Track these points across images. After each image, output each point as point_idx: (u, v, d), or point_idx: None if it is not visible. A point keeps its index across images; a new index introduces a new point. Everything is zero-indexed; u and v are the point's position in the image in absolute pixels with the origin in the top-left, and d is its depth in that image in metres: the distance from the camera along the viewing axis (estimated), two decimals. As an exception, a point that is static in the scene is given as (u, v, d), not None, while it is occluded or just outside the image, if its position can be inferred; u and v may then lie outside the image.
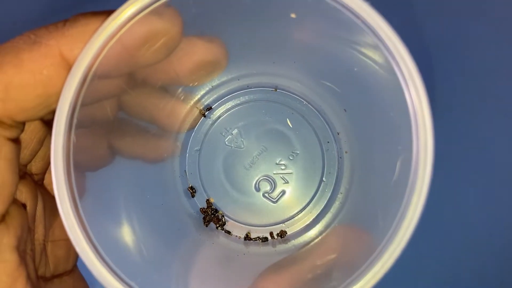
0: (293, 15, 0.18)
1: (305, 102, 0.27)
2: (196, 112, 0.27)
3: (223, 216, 0.26)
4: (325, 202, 0.26)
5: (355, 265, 0.17)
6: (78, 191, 0.16)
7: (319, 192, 0.26)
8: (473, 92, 0.30)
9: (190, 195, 0.27)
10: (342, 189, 0.25)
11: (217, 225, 0.26)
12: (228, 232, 0.26)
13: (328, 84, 0.25)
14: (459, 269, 0.30)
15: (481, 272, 0.30)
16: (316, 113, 0.26)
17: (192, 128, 0.27)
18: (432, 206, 0.29)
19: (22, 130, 0.18)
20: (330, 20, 0.17)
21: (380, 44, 0.16)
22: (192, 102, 0.26)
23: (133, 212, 0.20)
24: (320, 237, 0.24)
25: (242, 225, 0.26)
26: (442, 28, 0.31)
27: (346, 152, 0.25)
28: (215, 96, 0.27)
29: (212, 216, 0.26)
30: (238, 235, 0.26)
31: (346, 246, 0.22)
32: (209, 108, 0.27)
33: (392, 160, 0.18)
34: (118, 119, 0.20)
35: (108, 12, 0.17)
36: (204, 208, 0.26)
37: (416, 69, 0.16)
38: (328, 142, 0.26)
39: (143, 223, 0.21)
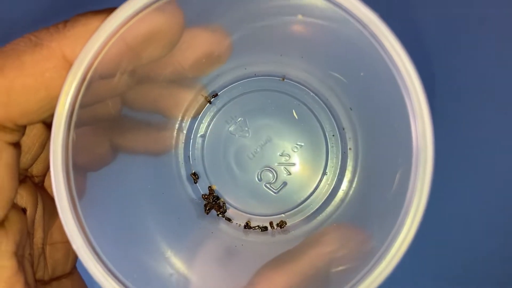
0: (300, 16, 0.18)
1: (312, 94, 0.26)
2: (201, 99, 0.27)
3: (224, 203, 0.27)
4: (326, 197, 0.26)
5: (351, 268, 0.18)
6: (79, 192, 0.16)
7: (320, 186, 0.26)
8: (474, 98, 0.30)
9: (193, 181, 0.27)
10: (344, 185, 0.25)
11: (218, 213, 0.26)
12: (229, 220, 0.27)
13: (336, 75, 0.25)
14: (459, 270, 0.30)
15: (481, 272, 0.30)
16: (323, 105, 0.26)
17: (197, 115, 0.27)
18: (432, 208, 0.29)
19: (23, 134, 0.18)
20: (339, 30, 0.17)
21: (384, 55, 0.16)
22: (197, 89, 0.26)
23: (135, 205, 0.21)
24: (319, 231, 0.25)
25: (242, 213, 0.27)
26: (442, 35, 0.30)
27: (350, 149, 0.25)
28: (221, 83, 0.27)
29: (213, 204, 0.26)
30: (238, 223, 0.27)
31: (343, 245, 0.22)
32: (215, 95, 0.27)
33: (392, 170, 0.18)
34: (119, 115, 0.20)
35: (108, 11, 0.17)
36: (206, 194, 0.27)
37: (420, 86, 0.15)
38: (333, 135, 0.26)
39: (144, 215, 0.21)
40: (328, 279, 0.20)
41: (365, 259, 0.17)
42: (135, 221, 0.20)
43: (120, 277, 0.16)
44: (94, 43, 0.16)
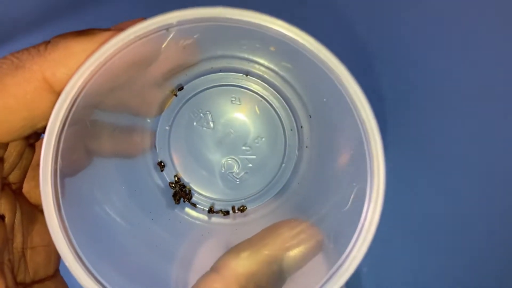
0: (272, 48, 0.19)
1: (273, 91, 0.28)
2: (167, 93, 0.28)
3: (190, 190, 0.29)
4: (282, 186, 0.29)
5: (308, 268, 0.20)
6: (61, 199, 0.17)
7: (277, 176, 0.29)
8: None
9: (160, 169, 0.28)
10: (298, 178, 0.28)
11: (185, 199, 0.29)
12: (194, 205, 0.29)
13: (297, 81, 0.26)
14: (457, 270, 0.33)
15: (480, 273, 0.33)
16: (284, 103, 0.28)
17: (163, 108, 0.28)
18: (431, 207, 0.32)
19: (6, 150, 0.18)
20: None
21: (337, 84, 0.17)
22: (164, 85, 0.27)
23: (110, 204, 0.22)
24: (278, 222, 0.27)
25: (207, 199, 0.29)
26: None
27: (306, 147, 0.28)
28: (187, 76, 0.28)
29: (181, 192, 0.28)
30: (203, 208, 0.29)
31: (298, 242, 0.24)
32: (180, 88, 0.28)
33: (347, 188, 0.20)
34: (92, 120, 0.21)
35: (86, 32, 0.17)
36: (172, 182, 0.29)
37: (371, 112, 0.17)
38: (291, 130, 0.28)
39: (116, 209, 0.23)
40: (284, 275, 0.22)
41: (323, 261, 0.20)
42: (111, 219, 0.22)
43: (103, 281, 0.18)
44: (80, 78, 0.17)
